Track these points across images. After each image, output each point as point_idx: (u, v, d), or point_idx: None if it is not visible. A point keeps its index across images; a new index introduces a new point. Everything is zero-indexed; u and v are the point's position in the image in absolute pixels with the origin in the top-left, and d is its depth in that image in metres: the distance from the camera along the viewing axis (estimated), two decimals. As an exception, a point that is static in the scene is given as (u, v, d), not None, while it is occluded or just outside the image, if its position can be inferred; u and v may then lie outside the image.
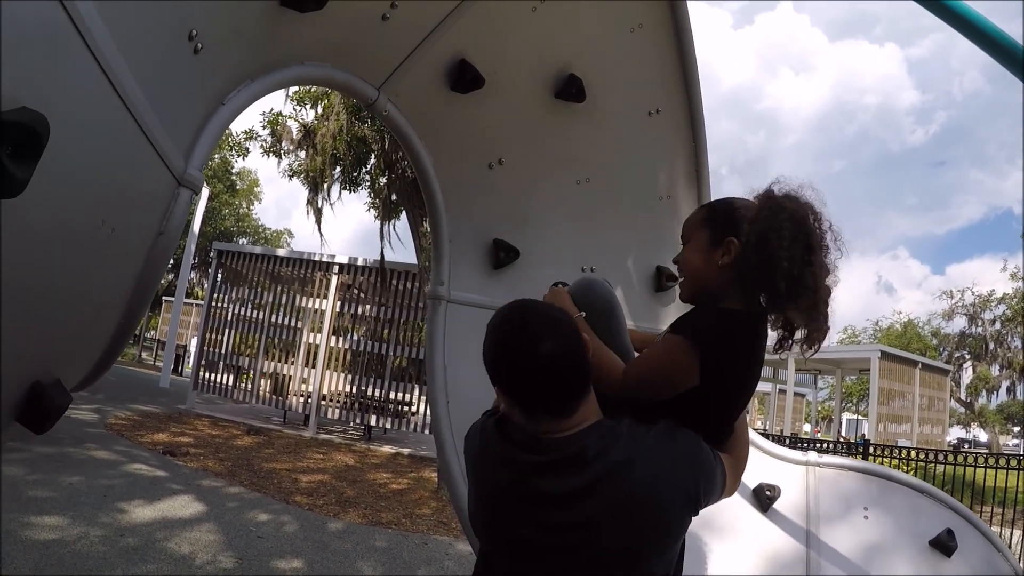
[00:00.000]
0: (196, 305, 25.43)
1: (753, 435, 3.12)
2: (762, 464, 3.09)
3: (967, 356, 37.45)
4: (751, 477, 2.98)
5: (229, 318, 14.96)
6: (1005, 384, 36.55)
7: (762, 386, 28.55)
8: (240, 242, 33.62)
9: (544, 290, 2.87)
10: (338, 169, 11.93)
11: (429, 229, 2.83)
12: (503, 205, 2.85)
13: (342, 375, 14.16)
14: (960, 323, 37.34)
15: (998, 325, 35.76)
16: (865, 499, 2.93)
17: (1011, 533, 7.28)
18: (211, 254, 15.43)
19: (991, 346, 36.11)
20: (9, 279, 1.08)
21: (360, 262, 13.74)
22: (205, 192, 20.40)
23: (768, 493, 3.00)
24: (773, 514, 2.99)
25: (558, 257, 2.90)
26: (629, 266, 3.07)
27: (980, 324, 36.48)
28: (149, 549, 5.22)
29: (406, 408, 13.93)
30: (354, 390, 14.15)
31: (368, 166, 11.87)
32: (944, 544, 2.69)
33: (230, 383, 14.80)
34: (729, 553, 2.87)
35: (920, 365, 22.15)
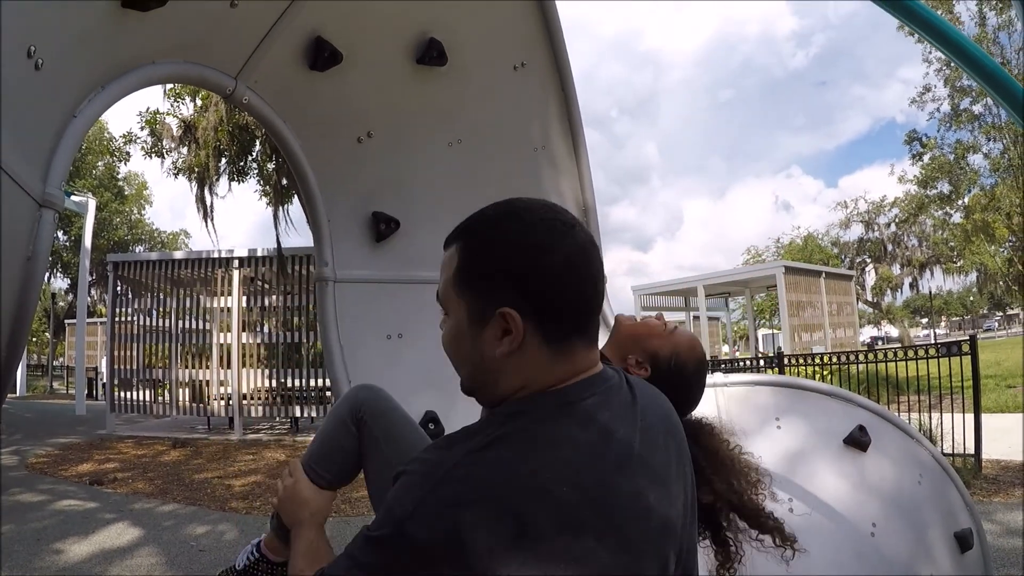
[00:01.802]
0: (101, 324, 24.19)
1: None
2: (670, 392, 3.24)
3: (868, 260, 39.79)
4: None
5: (136, 331, 14.35)
6: (907, 281, 39.07)
7: (676, 315, 29.66)
8: (137, 250, 32.09)
9: (430, 256, 2.90)
10: (223, 161, 11.49)
11: (307, 212, 2.78)
12: (378, 177, 2.83)
13: (260, 371, 13.85)
14: (857, 230, 39.60)
15: (893, 228, 38.04)
16: (775, 410, 2.97)
17: (930, 418, 7.77)
18: (107, 268, 14.66)
19: (889, 248, 38.46)
20: None
21: (260, 252, 13.37)
22: (92, 204, 19.24)
23: (680, 419, 3.14)
24: (689, 438, 3.13)
25: (440, 220, 2.88)
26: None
27: (876, 229, 38.74)
28: None
29: (329, 394, 13.76)
30: (274, 384, 13.87)
31: (254, 154, 11.50)
32: (858, 440, 2.74)
33: (148, 398, 14.29)
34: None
35: (824, 274, 23.41)
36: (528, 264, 0.95)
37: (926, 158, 27.24)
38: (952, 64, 23.50)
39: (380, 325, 2.63)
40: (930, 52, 24.11)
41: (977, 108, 23.45)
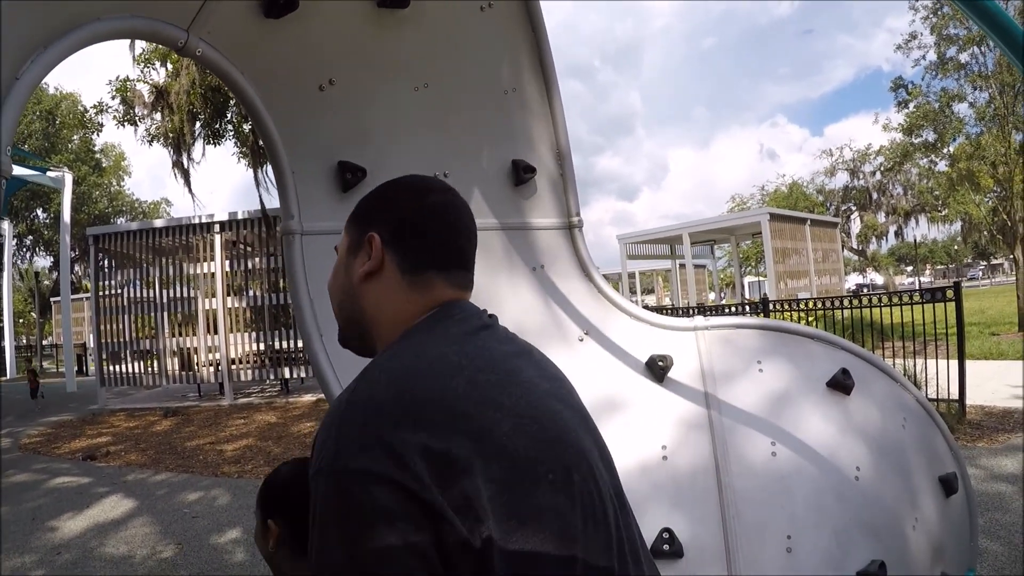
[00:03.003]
0: (87, 299, 24.04)
1: (638, 310, 3.20)
2: (651, 337, 3.18)
3: (853, 208, 39.89)
4: (642, 351, 3.05)
5: (121, 304, 14.33)
6: (892, 229, 39.27)
7: (663, 263, 29.68)
8: (119, 222, 31.70)
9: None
10: (198, 125, 11.25)
11: (270, 161, 2.69)
12: (342, 126, 2.74)
13: (247, 335, 13.89)
14: (843, 178, 39.60)
15: (879, 176, 38.04)
16: (758, 353, 2.93)
17: (915, 364, 7.86)
18: (88, 241, 14.49)
19: (874, 196, 38.53)
20: None
21: (241, 215, 13.26)
22: (69, 179, 18.93)
23: (660, 363, 3.08)
24: (670, 383, 3.06)
25: (408, 168, 2.78)
26: (484, 165, 3.03)
27: (861, 177, 38.75)
28: (87, 559, 5.18)
29: None
30: (263, 347, 13.91)
31: (229, 115, 11.26)
32: (841, 383, 2.71)
33: (138, 370, 14.29)
34: (632, 425, 2.97)
35: (809, 222, 23.43)
36: (394, 203, 1.09)
37: (911, 106, 27.05)
38: (939, 11, 23.23)
39: (349, 276, 2.57)
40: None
41: (963, 57, 23.21)
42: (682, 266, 27.51)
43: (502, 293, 2.94)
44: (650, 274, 46.77)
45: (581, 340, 3.05)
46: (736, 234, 26.36)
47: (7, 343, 26.57)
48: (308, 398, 13.06)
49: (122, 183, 37.50)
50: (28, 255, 36.16)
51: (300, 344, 13.53)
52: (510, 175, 3.11)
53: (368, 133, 2.78)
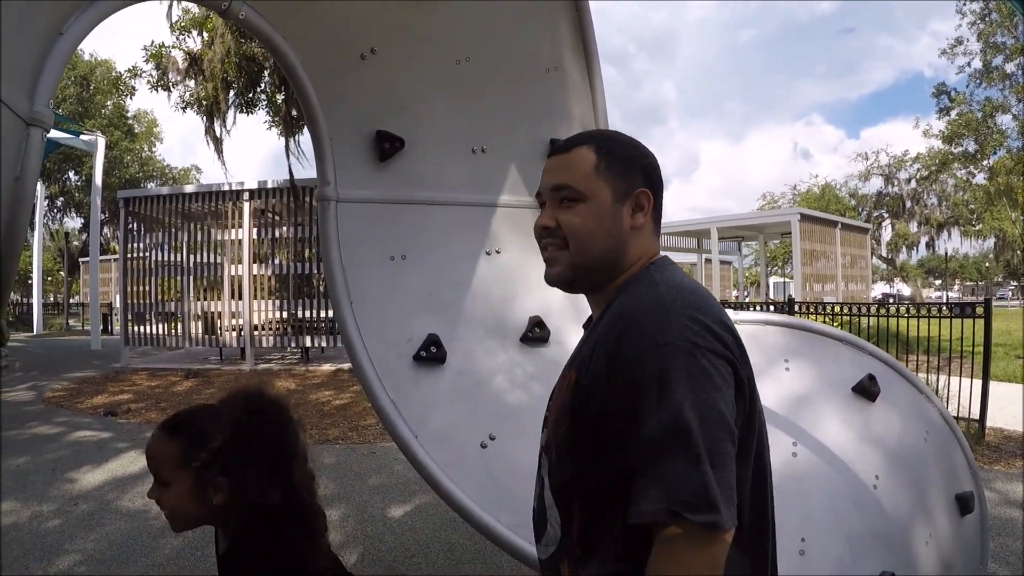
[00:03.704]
0: (115, 260, 24.41)
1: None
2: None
3: (885, 215, 39.23)
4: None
5: (148, 266, 14.45)
6: (924, 240, 38.53)
7: (688, 256, 29.42)
8: (148, 187, 32.10)
9: (435, 177, 2.83)
10: (232, 93, 11.32)
11: (309, 130, 2.69)
12: (381, 95, 2.74)
13: (271, 302, 13.99)
14: (877, 184, 38.97)
15: (914, 184, 37.34)
16: (785, 352, 2.90)
17: (937, 379, 7.68)
18: (118, 204, 14.67)
19: (908, 204, 37.84)
20: None
21: (270, 184, 13.32)
22: (101, 143, 19.15)
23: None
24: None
25: (445, 141, 2.84)
26: (521, 141, 3.02)
27: (896, 184, 38.08)
28: (103, 512, 5.23)
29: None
30: (285, 315, 14.02)
31: (262, 85, 11.31)
32: (867, 389, 2.68)
33: (162, 332, 14.45)
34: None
35: (840, 225, 23.11)
36: (649, 161, 1.27)
37: (953, 113, 26.52)
38: (987, 18, 22.59)
39: (383, 246, 2.58)
40: (964, 4, 23.20)
41: (1010, 67, 22.69)
42: (708, 261, 27.29)
43: (534, 272, 2.93)
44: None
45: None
46: (765, 232, 26.09)
47: (36, 301, 27.09)
48: (327, 367, 13.15)
49: (153, 149, 37.96)
50: (59, 216, 36.78)
51: (322, 314, 13.64)
52: (546, 153, 3.10)
53: (407, 104, 2.77)
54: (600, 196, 1.21)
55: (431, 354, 2.45)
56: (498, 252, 2.87)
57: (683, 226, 26.01)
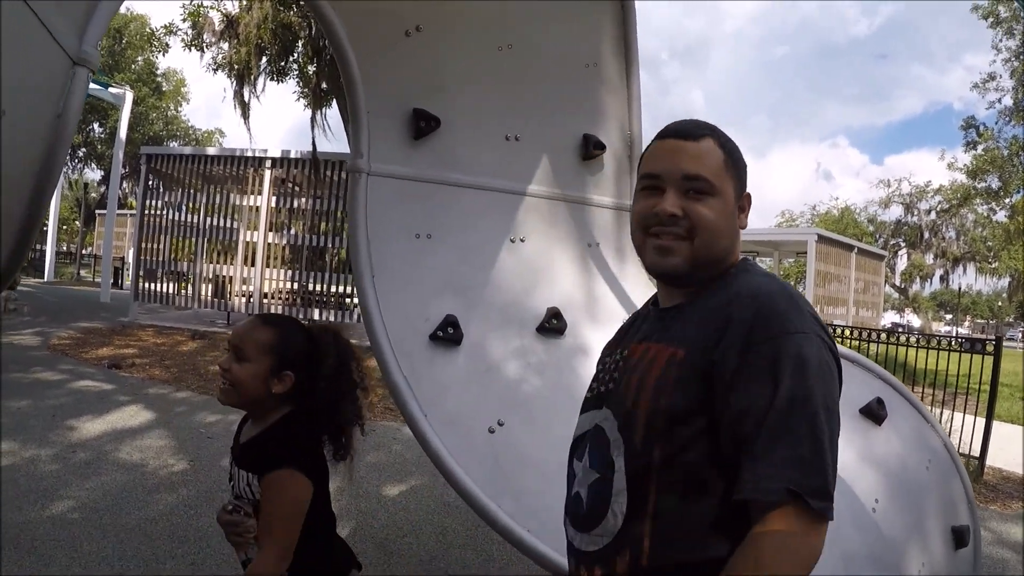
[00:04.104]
0: (131, 216, 24.52)
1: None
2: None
3: (902, 244, 38.97)
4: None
5: (164, 224, 14.49)
6: (939, 273, 38.26)
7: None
8: (171, 146, 32.20)
9: (466, 160, 2.83)
10: (264, 59, 11.33)
11: (347, 101, 2.70)
12: (422, 73, 2.74)
13: (283, 271, 14.04)
14: (896, 212, 38.71)
15: (933, 215, 37.07)
16: None
17: (941, 412, 7.64)
18: (140, 160, 14.72)
19: (926, 235, 37.59)
20: None
21: (293, 155, 13.33)
22: (129, 97, 19.24)
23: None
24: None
25: (480, 125, 2.84)
26: (555, 134, 3.03)
27: (916, 213, 37.82)
28: (101, 461, 5.27)
29: (348, 300, 13.97)
30: (296, 286, 14.06)
31: (295, 54, 11.32)
32: (874, 412, 2.68)
33: (171, 290, 14.51)
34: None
35: (856, 249, 22.99)
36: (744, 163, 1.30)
37: (980, 148, 26.27)
38: (1023, 56, 22.38)
39: (410, 223, 2.59)
40: (1000, 40, 22.95)
41: (1042, 107, 22.43)
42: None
43: (556, 264, 2.94)
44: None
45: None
46: (780, 250, 25.98)
47: (49, 248, 27.26)
48: None
49: (179, 108, 38.07)
50: (80, 166, 36.93)
51: (332, 288, 13.70)
52: (579, 148, 3.11)
53: (446, 85, 2.78)
54: (727, 193, 1.23)
55: (447, 335, 2.46)
56: (522, 241, 2.87)
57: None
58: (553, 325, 2.76)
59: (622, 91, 3.22)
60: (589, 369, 2.78)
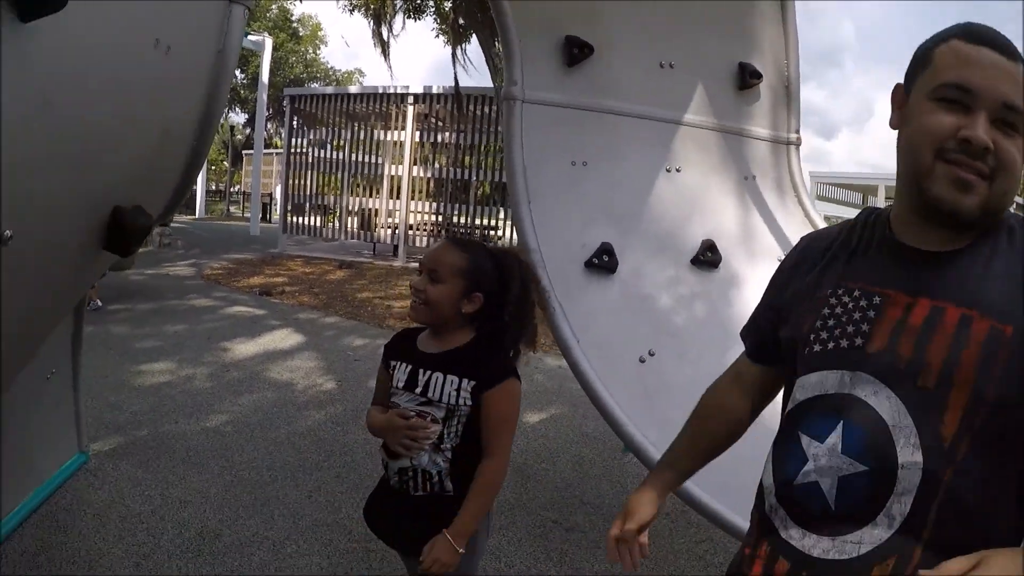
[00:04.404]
0: (276, 154, 25.96)
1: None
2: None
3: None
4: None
5: (310, 161, 15.17)
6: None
7: (849, 212, 27.48)
8: (312, 87, 33.54)
9: (620, 88, 2.76)
10: (399, -1, 11.43)
11: (497, 29, 2.68)
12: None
13: (427, 204, 14.42)
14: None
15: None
16: None
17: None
18: (284, 102, 15.43)
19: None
20: (68, 103, 1.08)
21: (435, 90, 13.52)
22: (268, 42, 20.08)
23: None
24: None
25: (634, 52, 2.76)
26: (709, 62, 2.91)
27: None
28: (253, 380, 5.57)
29: (492, 232, 14.15)
30: (440, 218, 14.45)
31: (430, -8, 11.31)
32: None
33: (318, 223, 15.19)
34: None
35: (1016, 206, 20.65)
36: None
37: None
38: None
39: (565, 150, 2.58)
40: None
41: None
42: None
43: (710, 195, 2.86)
44: (834, 220, 43.66)
45: (780, 260, 2.93)
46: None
47: (200, 186, 29.26)
48: None
49: (317, 51, 39.31)
50: (225, 111, 39.11)
51: (476, 220, 14.03)
52: (735, 77, 2.98)
53: (599, 11, 2.71)
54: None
55: (603, 262, 2.47)
56: (678, 170, 2.80)
57: (849, 178, 24.22)
58: (708, 258, 2.70)
59: (777, 20, 3.05)
60: (743, 304, 2.72)
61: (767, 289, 1.30)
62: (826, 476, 0.99)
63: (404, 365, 1.77)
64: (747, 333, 1.33)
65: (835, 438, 1.00)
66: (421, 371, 1.73)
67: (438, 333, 1.77)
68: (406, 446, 1.68)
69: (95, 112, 1.22)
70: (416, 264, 9.76)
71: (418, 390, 1.71)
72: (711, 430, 1.34)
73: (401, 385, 1.74)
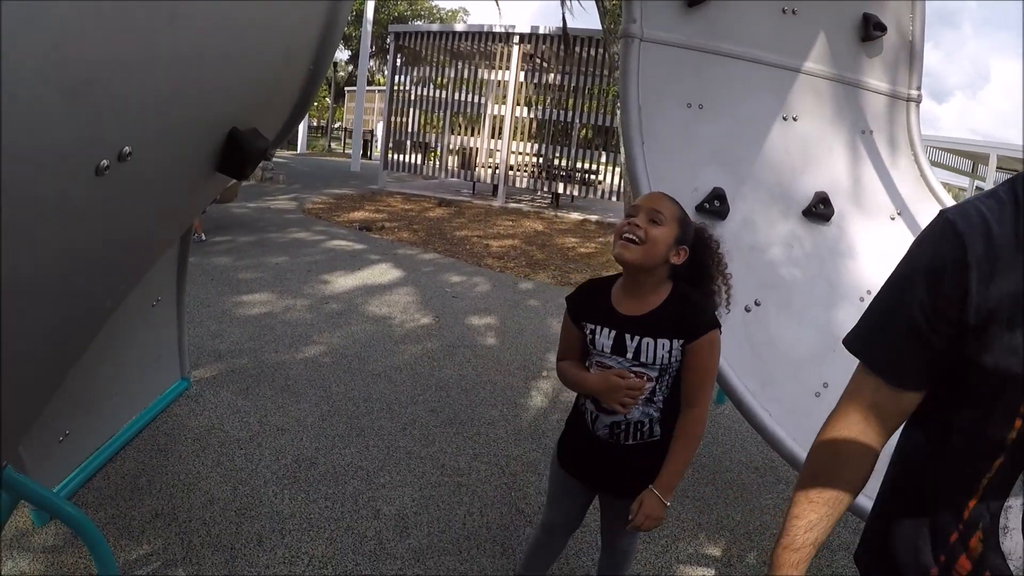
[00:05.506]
0: (379, 92, 26.29)
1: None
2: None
3: None
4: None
5: (412, 99, 15.27)
6: None
7: (959, 179, 25.75)
8: (416, 24, 33.53)
9: (741, 32, 2.68)
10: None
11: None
12: (700, -64, 2.60)
13: (528, 145, 14.35)
14: None
15: None
16: None
17: None
18: (387, 40, 15.51)
19: None
20: (194, 17, 1.09)
21: (542, 31, 13.32)
22: (373, -22, 20.07)
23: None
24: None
25: (759, -5, 2.67)
26: (833, 10, 2.79)
27: None
28: (351, 312, 5.76)
29: (593, 176, 14.08)
30: (541, 160, 14.40)
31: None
32: None
33: (418, 161, 15.38)
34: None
35: None
36: None
37: None
38: None
39: (681, 92, 2.55)
40: None
41: None
42: (979, 189, 23.69)
43: (827, 147, 2.78)
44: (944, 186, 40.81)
45: (892, 219, 2.84)
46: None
47: (302, 123, 30.04)
48: (575, 216, 13.39)
49: (421, -11, 39.07)
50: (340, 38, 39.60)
51: (577, 164, 13.93)
52: (859, 27, 2.87)
53: (725, -50, 2.63)
54: None
55: (714, 207, 2.46)
56: (795, 119, 2.73)
57: (960, 144, 22.61)
58: (820, 211, 2.64)
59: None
60: (853, 262, 2.66)
61: (910, 291, 0.96)
62: None
63: (606, 330, 1.77)
64: (882, 354, 1.01)
65: None
66: (628, 336, 1.74)
67: (636, 287, 1.77)
68: (624, 404, 1.74)
69: (220, 29, 1.22)
70: (515, 205, 9.93)
71: (629, 355, 1.74)
72: (847, 479, 1.03)
73: (607, 350, 1.76)
